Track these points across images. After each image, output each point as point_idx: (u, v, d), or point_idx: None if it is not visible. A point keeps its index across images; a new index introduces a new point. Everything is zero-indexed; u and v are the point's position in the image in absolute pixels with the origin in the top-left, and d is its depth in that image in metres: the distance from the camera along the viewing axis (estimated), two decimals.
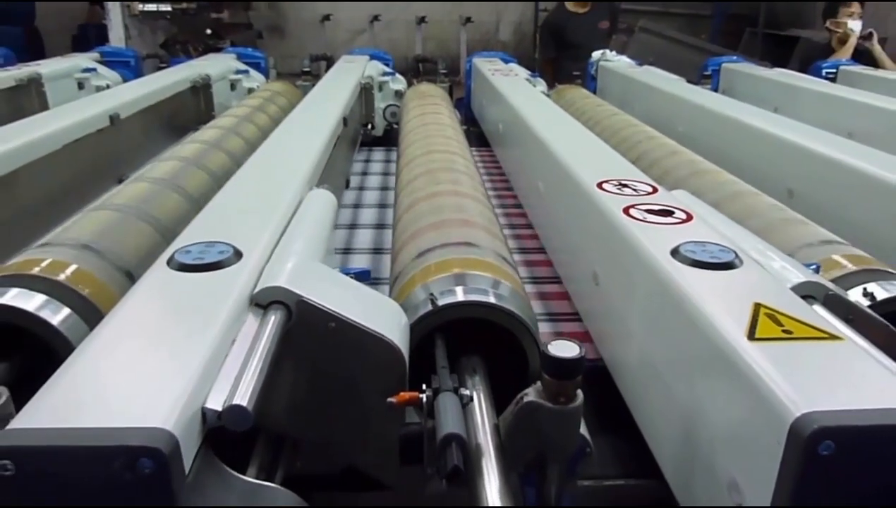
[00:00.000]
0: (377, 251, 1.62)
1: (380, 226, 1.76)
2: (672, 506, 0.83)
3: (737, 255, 0.89)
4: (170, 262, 0.85)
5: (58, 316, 0.92)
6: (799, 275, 0.87)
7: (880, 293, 1.00)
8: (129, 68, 2.94)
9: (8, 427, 0.57)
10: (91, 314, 0.95)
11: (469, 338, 0.97)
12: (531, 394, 0.79)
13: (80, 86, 2.63)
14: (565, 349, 0.75)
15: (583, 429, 0.83)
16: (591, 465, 0.86)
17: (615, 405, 1.00)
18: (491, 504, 0.72)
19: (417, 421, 0.83)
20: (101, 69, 2.73)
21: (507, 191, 2.03)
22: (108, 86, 2.59)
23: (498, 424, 0.82)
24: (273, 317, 0.77)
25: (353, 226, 1.76)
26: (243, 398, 0.63)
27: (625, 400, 0.99)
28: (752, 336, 0.71)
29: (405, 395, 0.78)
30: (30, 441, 0.55)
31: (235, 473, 0.66)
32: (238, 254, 0.86)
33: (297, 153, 1.34)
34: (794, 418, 0.60)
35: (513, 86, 2.36)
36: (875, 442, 0.59)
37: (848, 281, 1.02)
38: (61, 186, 1.59)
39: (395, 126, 2.52)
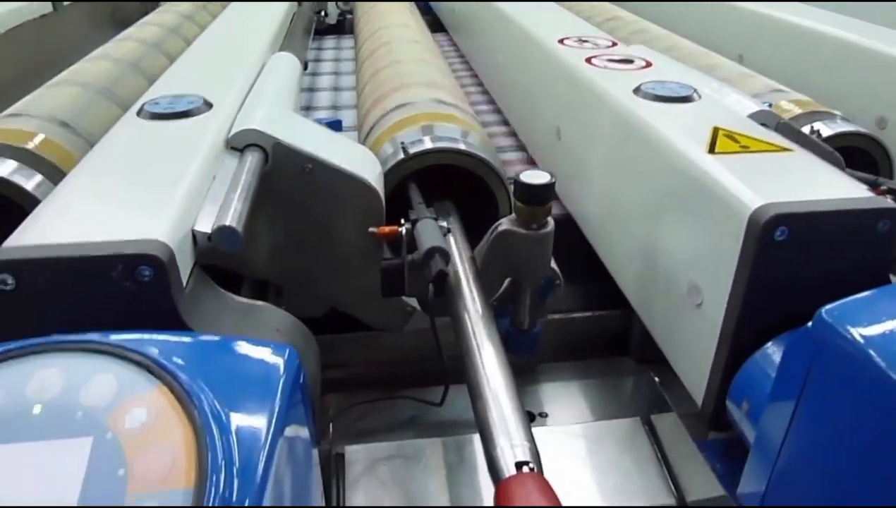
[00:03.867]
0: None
1: (335, 107, 1.74)
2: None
3: (695, 91, 0.93)
4: (140, 113, 0.84)
5: (31, 181, 0.91)
6: (752, 106, 0.91)
7: (825, 130, 1.06)
8: None
9: (4, 244, 0.58)
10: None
11: (440, 191, 0.99)
12: (504, 224, 0.82)
13: None
14: (536, 177, 0.78)
15: (553, 265, 0.88)
16: (560, 300, 0.92)
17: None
18: (474, 329, 0.76)
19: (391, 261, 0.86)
20: None
21: (467, 73, 2.03)
22: None
23: (474, 257, 0.86)
24: (250, 158, 0.78)
25: (308, 108, 1.74)
26: (231, 220, 0.65)
27: (593, 245, 1.04)
28: (711, 151, 0.76)
29: (385, 228, 0.81)
30: (28, 255, 0.56)
31: (230, 293, 0.69)
32: (208, 105, 0.86)
33: (258, 22, 1.31)
34: (751, 211, 0.65)
35: None
36: (824, 227, 0.65)
37: (796, 121, 1.07)
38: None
39: (348, 15, 2.46)
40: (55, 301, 0.57)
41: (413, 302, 0.94)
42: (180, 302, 0.59)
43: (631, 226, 0.90)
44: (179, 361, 0.44)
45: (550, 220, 0.81)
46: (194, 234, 0.65)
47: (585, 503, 0.78)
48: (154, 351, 0.44)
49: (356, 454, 0.84)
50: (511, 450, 0.60)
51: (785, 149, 0.77)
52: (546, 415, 0.95)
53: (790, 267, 0.66)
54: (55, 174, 0.95)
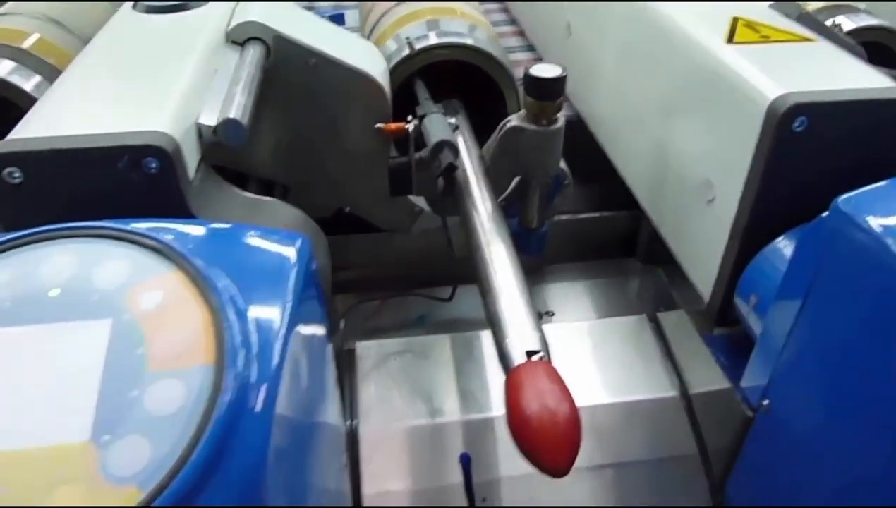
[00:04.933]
0: None
1: (336, 5, 1.68)
2: None
3: None
4: (135, 6, 0.81)
5: (29, 81, 0.89)
6: None
7: (847, 24, 1.02)
8: None
9: (9, 137, 0.57)
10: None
11: (446, 89, 0.97)
12: (514, 120, 0.81)
13: None
14: (547, 70, 0.76)
15: (562, 165, 0.87)
16: (569, 201, 0.91)
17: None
18: (483, 225, 0.75)
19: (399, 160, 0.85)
20: None
21: None
22: None
23: (482, 155, 0.84)
24: (252, 51, 0.75)
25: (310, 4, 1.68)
26: (235, 113, 0.64)
27: (602, 145, 1.02)
28: (730, 40, 0.73)
29: (392, 125, 0.80)
30: (34, 147, 0.55)
31: (237, 188, 0.68)
32: None
33: None
34: (769, 101, 0.63)
35: None
36: (846, 118, 0.63)
37: (819, 14, 1.03)
38: None
39: None
40: (61, 194, 0.57)
41: (421, 201, 0.93)
42: (188, 195, 0.58)
43: (643, 122, 0.88)
44: (192, 246, 0.44)
45: (561, 116, 0.80)
46: (199, 128, 0.63)
47: (590, 394, 0.80)
48: (167, 237, 0.44)
49: (367, 349, 0.86)
50: (521, 340, 0.60)
51: (806, 39, 0.74)
52: (552, 314, 0.96)
53: (808, 159, 0.65)
54: (53, 74, 0.92)
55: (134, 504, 0.34)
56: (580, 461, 0.49)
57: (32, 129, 0.57)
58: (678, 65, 0.78)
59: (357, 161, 0.86)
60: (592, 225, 1.03)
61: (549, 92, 0.76)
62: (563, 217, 1.00)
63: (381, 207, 0.90)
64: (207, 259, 0.43)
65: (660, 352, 0.84)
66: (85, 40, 1.00)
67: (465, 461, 0.76)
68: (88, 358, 0.39)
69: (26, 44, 0.93)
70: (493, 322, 0.64)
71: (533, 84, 0.76)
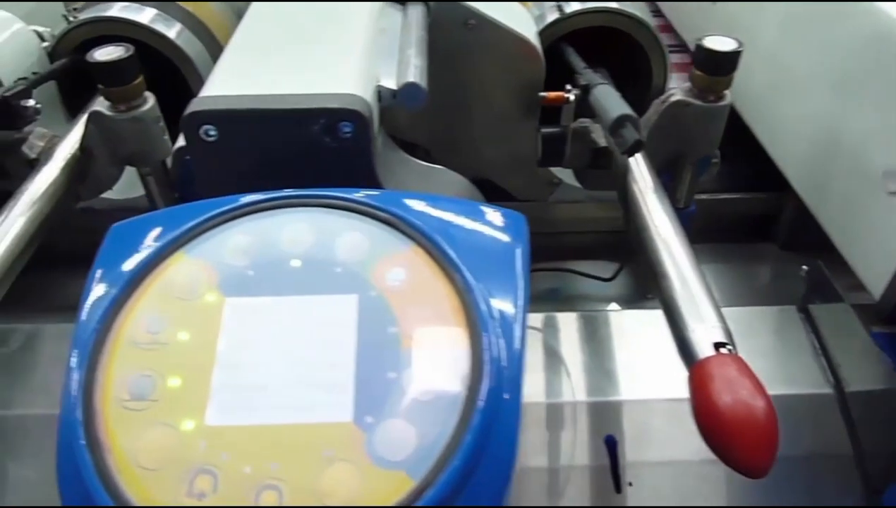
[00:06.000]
0: None
1: None
2: None
3: None
4: None
5: (171, 29, 0.88)
6: None
7: None
8: None
9: (203, 94, 0.56)
10: (200, 29, 0.91)
11: (589, 57, 0.93)
12: (678, 93, 0.77)
13: None
14: (722, 43, 0.72)
15: None
16: (709, 180, 0.87)
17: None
18: (647, 203, 0.72)
19: (554, 128, 0.82)
20: None
21: None
22: None
23: None
24: (416, 11, 0.73)
25: None
26: (414, 76, 0.62)
27: (747, 121, 0.97)
28: None
29: (552, 94, 0.77)
30: (232, 106, 0.54)
31: (407, 155, 0.66)
32: None
33: None
34: None
35: None
36: None
37: None
38: None
39: None
40: (253, 154, 0.56)
41: (560, 172, 0.90)
42: (375, 161, 0.57)
43: (806, 99, 0.83)
44: (423, 221, 0.42)
45: (728, 93, 0.75)
46: (379, 91, 0.62)
47: None
48: (400, 210, 0.42)
49: None
50: (706, 332, 0.58)
51: None
52: None
53: None
54: (192, 22, 0.92)
55: (406, 492, 0.33)
56: None
57: (224, 88, 0.56)
58: (862, 34, 0.73)
59: (504, 126, 0.84)
60: (727, 206, 0.99)
61: (722, 66, 0.72)
62: (703, 196, 0.96)
63: (521, 175, 0.88)
64: (441, 233, 0.42)
65: (811, 346, 0.80)
66: None
67: (612, 443, 0.75)
68: (340, 333, 0.38)
69: None
70: (670, 309, 0.62)
71: (706, 57, 0.71)
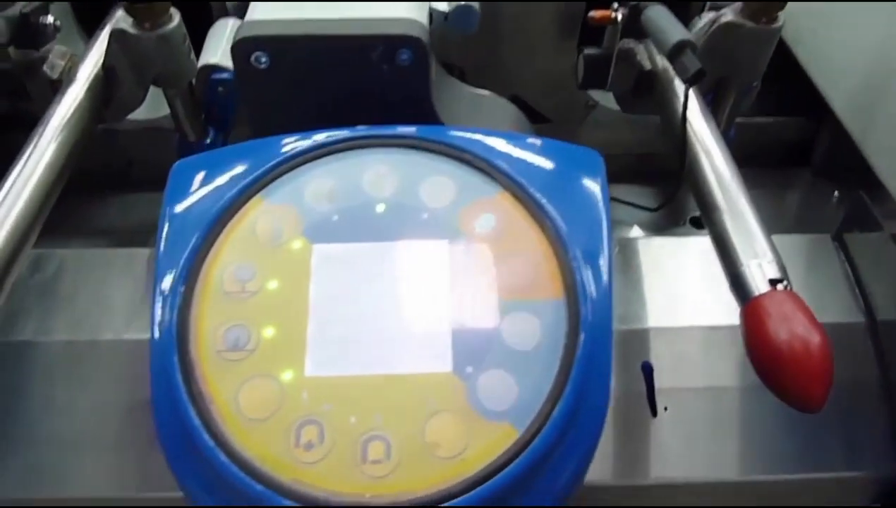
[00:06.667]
0: None
1: None
2: None
3: None
4: None
5: None
6: None
7: None
8: None
9: (251, 17, 0.52)
10: None
11: None
12: (729, 14, 0.74)
13: None
14: None
15: None
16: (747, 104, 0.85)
17: None
18: (696, 130, 0.70)
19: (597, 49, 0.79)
20: None
21: None
22: None
23: None
24: None
25: None
26: None
27: (788, 42, 0.94)
28: None
29: (600, 13, 0.73)
30: (286, 32, 0.51)
31: (455, 79, 0.64)
32: None
33: None
34: None
35: None
36: None
37: None
38: None
39: None
40: (307, 82, 0.53)
41: (597, 95, 0.88)
42: (433, 89, 0.55)
43: (860, 18, 0.80)
44: (507, 163, 0.41)
45: (781, 15, 0.72)
46: (431, 12, 0.58)
47: None
48: (484, 152, 0.41)
49: None
50: (760, 267, 0.58)
51: None
52: None
53: None
54: None
55: (512, 443, 0.33)
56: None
57: (274, 12, 0.53)
58: None
59: (542, 46, 0.81)
60: (760, 130, 0.97)
61: None
62: (738, 119, 0.94)
63: (557, 97, 0.86)
64: (528, 176, 0.40)
65: (844, 275, 0.81)
66: None
67: (647, 369, 0.76)
68: (432, 281, 0.37)
69: None
70: (722, 243, 0.61)
71: None
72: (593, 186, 0.43)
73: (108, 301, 0.69)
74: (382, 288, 0.37)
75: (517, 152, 0.42)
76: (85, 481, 0.60)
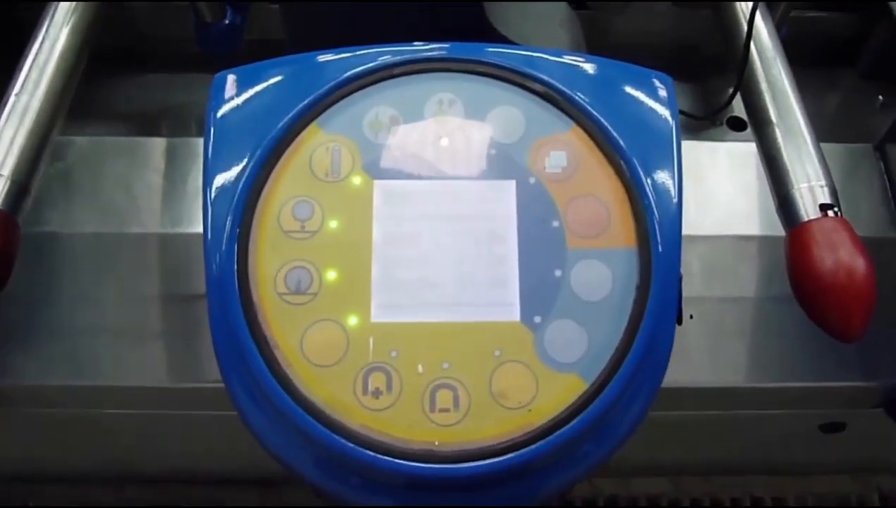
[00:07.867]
0: None
1: None
2: None
3: None
4: None
5: None
6: None
7: None
8: None
9: None
10: None
11: None
12: None
13: None
14: None
15: None
16: None
17: None
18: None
19: None
20: None
21: None
22: None
23: None
24: None
25: None
26: None
27: None
28: None
29: None
30: None
31: None
32: None
33: None
34: None
35: None
36: None
37: None
38: None
39: None
40: None
41: None
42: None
43: None
44: (584, 93, 0.38)
45: None
46: None
47: None
48: (551, 79, 0.38)
49: None
50: (811, 191, 0.55)
51: None
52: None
53: None
54: None
55: (579, 395, 0.33)
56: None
57: None
58: None
59: None
60: (809, 24, 0.91)
61: None
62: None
63: None
64: (598, 108, 0.37)
65: (883, 187, 0.79)
66: None
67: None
68: (499, 224, 0.36)
69: None
70: (773, 161, 0.59)
71: None
72: (667, 121, 0.40)
73: (132, 192, 0.67)
74: (447, 230, 0.36)
75: (590, 80, 0.39)
76: (122, 370, 0.62)
